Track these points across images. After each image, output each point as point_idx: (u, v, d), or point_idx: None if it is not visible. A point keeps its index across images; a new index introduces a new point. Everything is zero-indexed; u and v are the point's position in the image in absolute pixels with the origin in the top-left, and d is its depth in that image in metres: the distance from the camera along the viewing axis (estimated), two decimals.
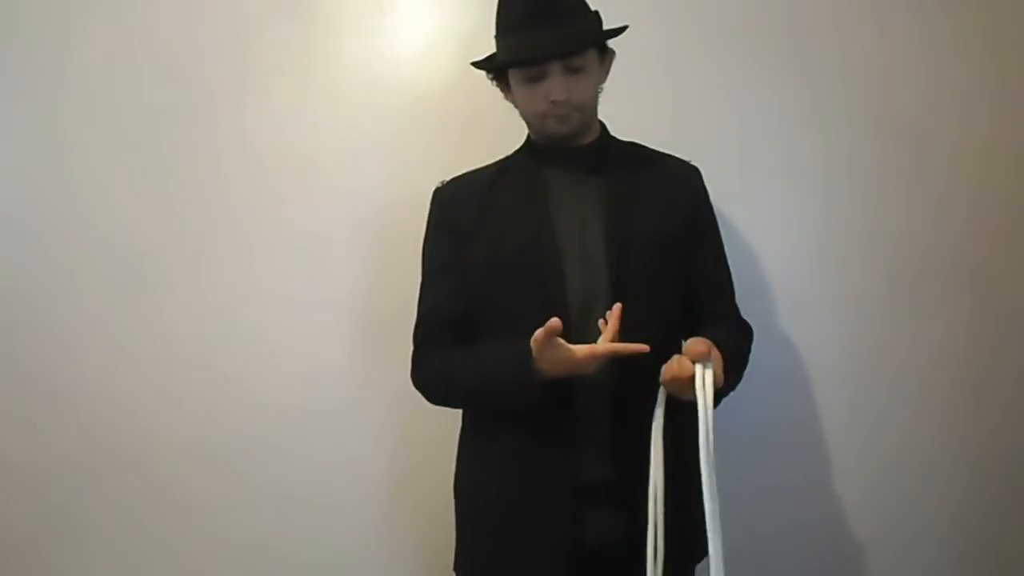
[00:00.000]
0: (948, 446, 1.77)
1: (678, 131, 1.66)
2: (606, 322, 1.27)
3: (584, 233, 1.36)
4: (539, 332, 1.21)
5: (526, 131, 1.45)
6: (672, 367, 1.24)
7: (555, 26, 1.29)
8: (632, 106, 1.57)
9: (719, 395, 1.27)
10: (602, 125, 1.45)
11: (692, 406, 1.20)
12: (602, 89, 1.40)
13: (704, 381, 1.20)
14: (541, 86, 1.32)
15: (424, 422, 1.63)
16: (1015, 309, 1.76)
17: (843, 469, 1.78)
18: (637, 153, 1.46)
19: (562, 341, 1.23)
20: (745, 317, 1.49)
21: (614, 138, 1.46)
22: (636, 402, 1.29)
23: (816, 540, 1.78)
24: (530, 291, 1.35)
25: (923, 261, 1.76)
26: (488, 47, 1.39)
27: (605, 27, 1.35)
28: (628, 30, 1.37)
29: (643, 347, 1.23)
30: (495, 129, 1.53)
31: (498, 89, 1.42)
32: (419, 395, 1.43)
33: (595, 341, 1.26)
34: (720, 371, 1.24)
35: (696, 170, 1.47)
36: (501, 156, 1.48)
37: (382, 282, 1.77)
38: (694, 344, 1.24)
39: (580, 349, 1.23)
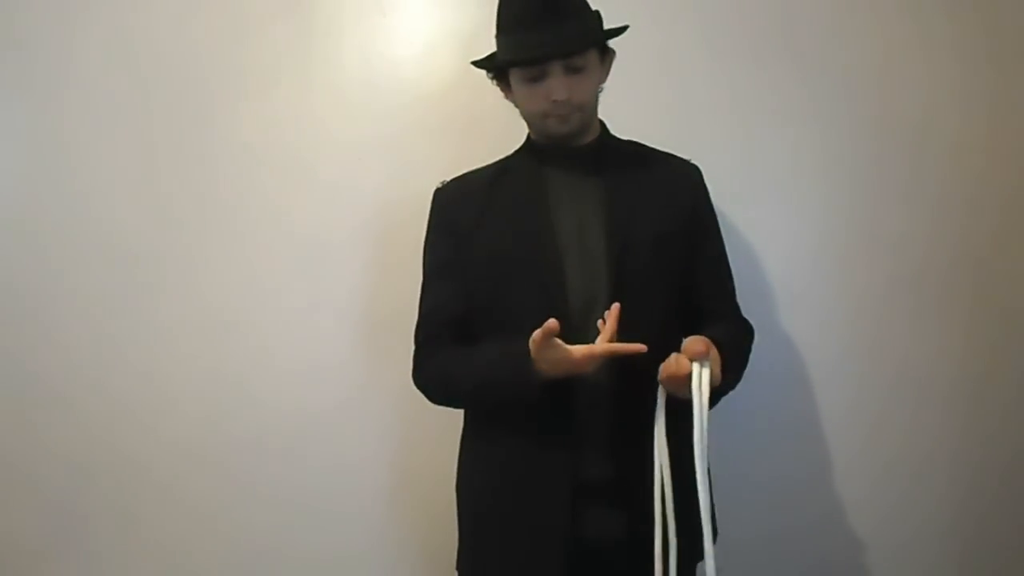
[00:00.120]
0: (948, 446, 1.77)
1: (678, 131, 1.66)
2: (604, 322, 1.27)
3: (584, 232, 1.36)
4: (537, 333, 1.22)
5: (526, 131, 1.45)
6: (670, 365, 1.24)
7: (557, 26, 1.29)
8: (632, 106, 1.57)
9: (718, 394, 1.27)
10: (602, 124, 1.45)
11: (691, 405, 1.20)
12: (602, 89, 1.40)
13: (700, 380, 1.20)
14: (542, 86, 1.33)
15: (426, 422, 1.64)
16: (1015, 309, 1.76)
17: (843, 469, 1.78)
18: (637, 152, 1.46)
19: (559, 342, 1.23)
20: (745, 316, 1.49)
21: (614, 137, 1.46)
22: (636, 402, 1.29)
23: (816, 540, 1.78)
24: (530, 291, 1.35)
25: (923, 261, 1.76)
26: (488, 47, 1.39)
27: (606, 27, 1.35)
28: (628, 30, 1.37)
29: (640, 347, 1.23)
30: (495, 129, 1.53)
31: (498, 88, 1.42)
32: (421, 395, 1.43)
33: (595, 341, 1.26)
34: (718, 370, 1.24)
35: (696, 169, 1.47)
36: (501, 156, 1.48)
37: (383, 282, 1.77)
38: (692, 343, 1.24)
39: (578, 350, 1.23)
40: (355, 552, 1.80)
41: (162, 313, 1.80)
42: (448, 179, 1.47)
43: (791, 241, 1.77)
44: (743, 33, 1.75)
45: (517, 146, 1.47)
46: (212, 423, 1.80)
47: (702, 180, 1.47)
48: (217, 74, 1.79)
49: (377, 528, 1.80)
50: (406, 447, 1.79)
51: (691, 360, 1.22)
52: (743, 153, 1.75)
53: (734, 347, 1.35)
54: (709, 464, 1.21)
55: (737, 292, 1.49)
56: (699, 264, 1.43)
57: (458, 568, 1.47)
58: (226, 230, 1.80)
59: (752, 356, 1.44)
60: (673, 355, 1.25)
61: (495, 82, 1.42)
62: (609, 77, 1.41)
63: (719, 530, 1.40)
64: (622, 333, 1.25)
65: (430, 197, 1.46)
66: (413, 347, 1.44)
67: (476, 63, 1.41)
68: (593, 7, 1.36)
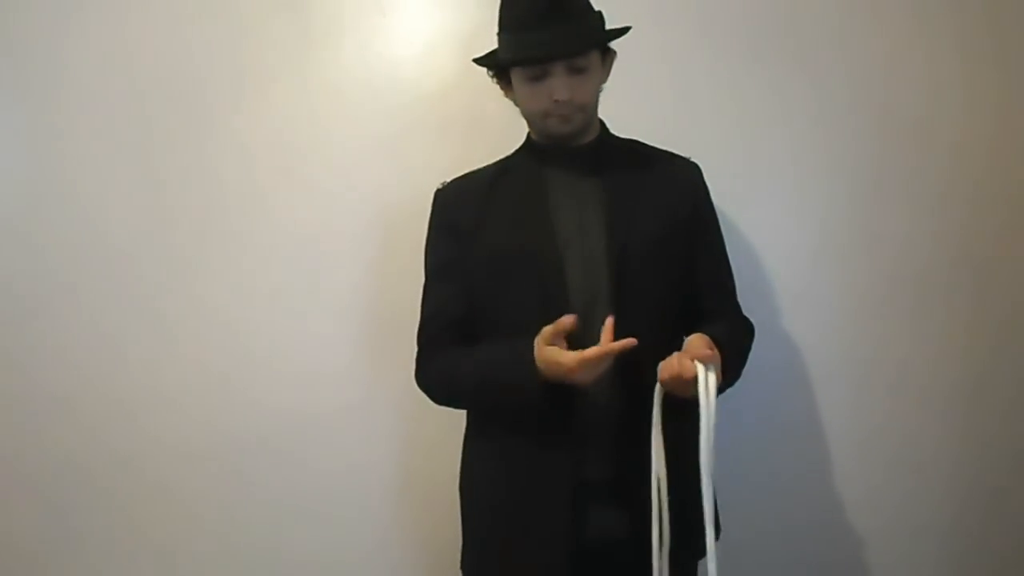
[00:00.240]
0: (949, 446, 1.77)
1: (679, 130, 1.66)
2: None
3: (585, 232, 1.36)
4: (547, 328, 1.23)
5: (526, 131, 1.45)
6: (672, 365, 1.23)
7: (560, 26, 1.29)
8: (632, 106, 1.57)
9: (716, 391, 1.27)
10: (602, 124, 1.44)
11: (692, 404, 1.20)
12: (603, 89, 1.40)
13: (707, 384, 1.20)
14: (544, 85, 1.32)
15: (429, 423, 1.64)
16: (1017, 309, 1.76)
17: (843, 469, 1.78)
18: (637, 151, 1.46)
19: (556, 348, 1.23)
20: (746, 314, 1.49)
21: (614, 136, 1.46)
22: (637, 401, 1.29)
23: (816, 540, 1.78)
24: (531, 290, 1.35)
25: (925, 260, 1.76)
26: (488, 47, 1.39)
27: (607, 27, 1.35)
28: (630, 30, 1.37)
29: (631, 341, 1.22)
30: (496, 129, 1.53)
31: (498, 87, 1.42)
32: (424, 396, 1.44)
33: (596, 340, 1.25)
34: (719, 371, 1.24)
35: (696, 167, 1.47)
36: (502, 156, 1.47)
37: (385, 283, 1.77)
38: (696, 345, 1.24)
39: (568, 355, 1.23)
40: (359, 554, 1.80)
41: (162, 314, 1.80)
42: (448, 179, 1.47)
43: (791, 241, 1.77)
44: (744, 33, 1.75)
45: (517, 146, 1.47)
46: (214, 425, 1.80)
47: (702, 179, 1.47)
48: (216, 74, 1.78)
49: (381, 529, 1.80)
50: (410, 448, 1.79)
51: (697, 363, 1.21)
52: (744, 152, 1.75)
53: (734, 346, 1.35)
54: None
55: (738, 291, 1.49)
56: (699, 263, 1.43)
57: (462, 568, 1.47)
58: (226, 231, 1.79)
59: (752, 356, 1.44)
60: (675, 355, 1.24)
61: (495, 80, 1.42)
62: (610, 76, 1.40)
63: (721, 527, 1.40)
64: (622, 332, 1.25)
65: (430, 198, 1.46)
66: (416, 348, 1.44)
67: (477, 60, 1.40)
68: (594, 7, 1.36)
